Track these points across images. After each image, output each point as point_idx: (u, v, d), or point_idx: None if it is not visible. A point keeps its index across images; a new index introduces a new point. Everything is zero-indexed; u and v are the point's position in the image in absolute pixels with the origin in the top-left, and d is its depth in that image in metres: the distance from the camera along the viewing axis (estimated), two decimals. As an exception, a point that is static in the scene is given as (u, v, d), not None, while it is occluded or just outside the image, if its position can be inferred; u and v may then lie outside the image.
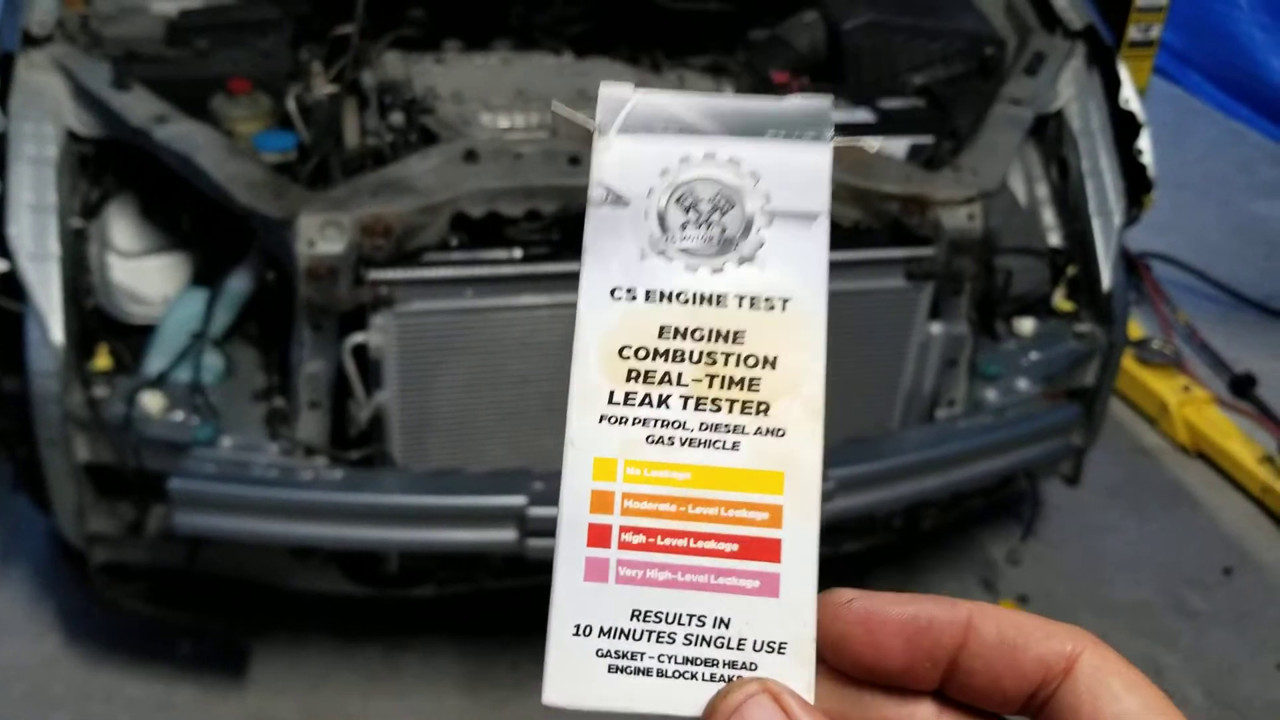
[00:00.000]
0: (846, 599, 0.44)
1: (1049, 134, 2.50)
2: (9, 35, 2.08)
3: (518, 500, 1.90)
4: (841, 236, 2.03)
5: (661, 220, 0.45)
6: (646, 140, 0.45)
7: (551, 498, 1.92)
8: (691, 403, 0.44)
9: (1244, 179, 4.88)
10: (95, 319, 2.10)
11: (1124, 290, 2.43)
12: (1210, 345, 3.55)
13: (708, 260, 0.45)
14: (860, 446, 2.10)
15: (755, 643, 0.43)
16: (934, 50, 2.45)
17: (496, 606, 2.36)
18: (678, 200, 0.45)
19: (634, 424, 0.44)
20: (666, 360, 0.44)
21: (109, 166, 2.14)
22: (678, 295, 0.44)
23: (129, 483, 2.04)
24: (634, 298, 0.45)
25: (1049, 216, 2.53)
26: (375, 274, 1.86)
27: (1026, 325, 2.38)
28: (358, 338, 1.88)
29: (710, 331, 0.44)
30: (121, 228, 2.17)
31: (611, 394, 0.44)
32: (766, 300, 0.44)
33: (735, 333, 0.44)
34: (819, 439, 0.44)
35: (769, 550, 0.44)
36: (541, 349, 1.97)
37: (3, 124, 2.04)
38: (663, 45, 2.64)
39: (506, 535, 1.92)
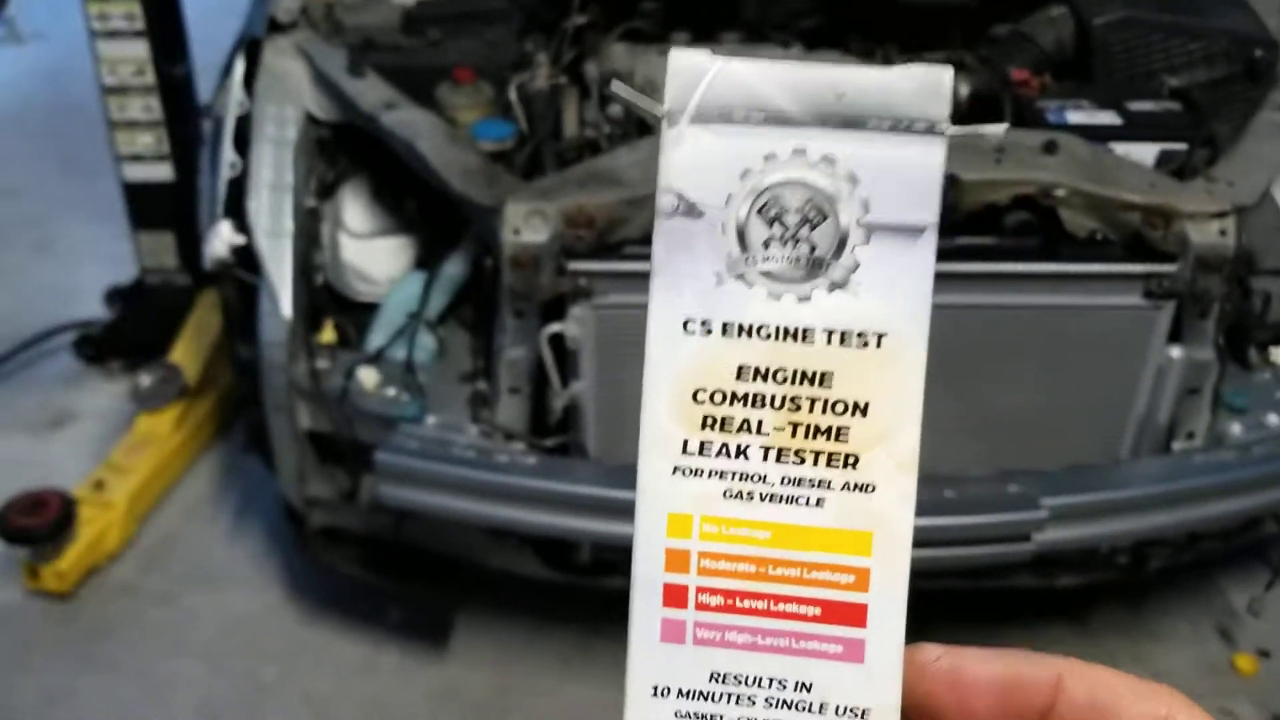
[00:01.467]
0: (934, 656, 0.41)
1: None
2: (257, 22, 2.21)
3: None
4: (1075, 247, 1.90)
5: (741, 236, 0.40)
6: (725, 133, 0.39)
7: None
8: (773, 454, 0.41)
9: None
10: (324, 295, 2.20)
11: (1403, 323, 2.17)
12: None
13: (794, 286, 0.40)
14: (1082, 474, 1.96)
15: (838, 708, 0.41)
16: (1194, 51, 2.25)
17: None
18: (760, 211, 0.40)
19: (710, 476, 0.41)
20: (745, 405, 0.40)
21: (344, 150, 2.23)
22: (759, 329, 0.40)
23: (344, 451, 2.13)
24: (709, 331, 0.41)
25: (1322, 235, 2.29)
26: (576, 265, 1.87)
27: (1283, 354, 2.16)
28: (555, 327, 1.89)
29: (795, 373, 0.40)
30: (354, 209, 2.27)
31: (685, 443, 0.41)
32: (859, 335, 0.40)
33: (822, 374, 0.40)
34: (912, 496, 0.40)
35: (854, 615, 0.41)
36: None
37: (247, 105, 2.16)
38: (898, 40, 2.54)
39: (692, 536, 1.88)
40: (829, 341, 0.40)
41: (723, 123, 0.39)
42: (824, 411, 0.40)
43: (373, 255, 2.27)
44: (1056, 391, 1.98)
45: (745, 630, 0.41)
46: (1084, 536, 1.95)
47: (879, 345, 0.39)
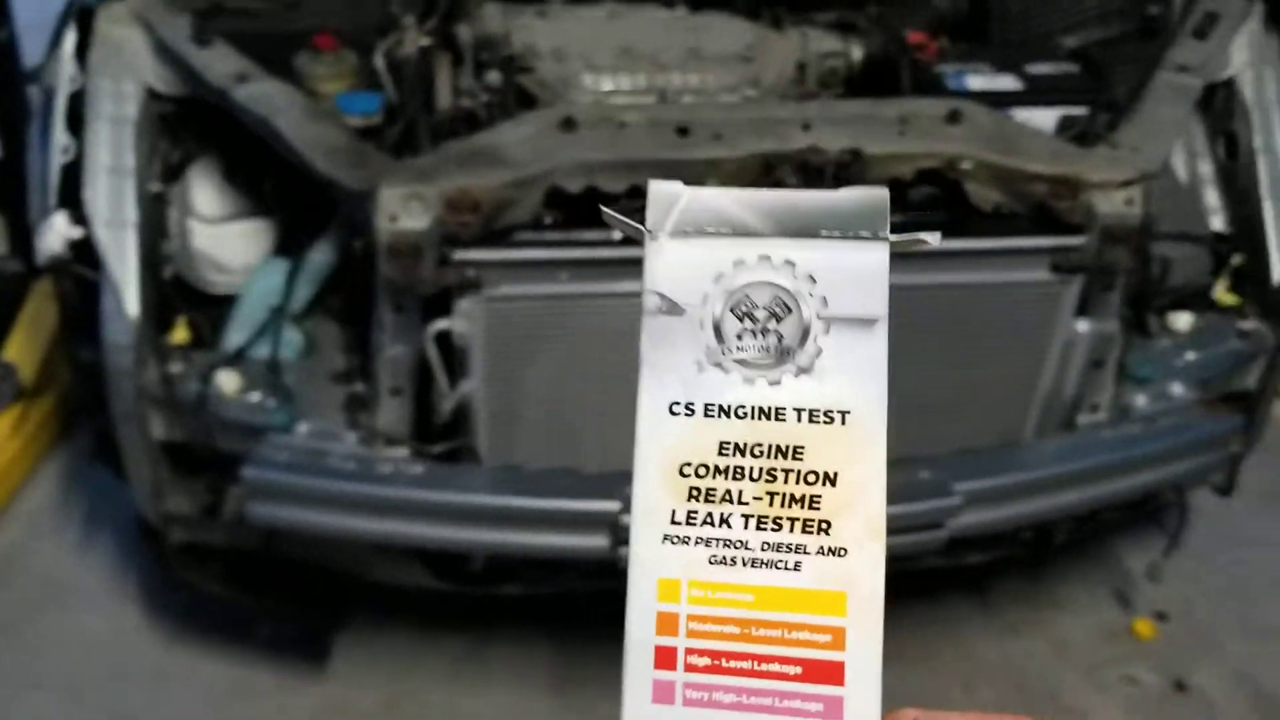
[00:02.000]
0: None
1: (1216, 104, 2.22)
2: (90, -14, 1.97)
3: (611, 505, 1.74)
4: (980, 221, 1.81)
5: (718, 330, 0.45)
6: (699, 243, 0.45)
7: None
8: (753, 521, 0.45)
9: None
10: (174, 289, 1.99)
11: (1297, 284, 2.16)
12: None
13: (765, 371, 0.45)
14: (991, 458, 1.90)
15: None
16: (1090, 8, 2.20)
17: (589, 604, 2.21)
18: (733, 308, 0.45)
19: (697, 544, 0.45)
20: (727, 478, 0.45)
21: (191, 126, 2.02)
22: (737, 409, 0.45)
23: (204, 462, 1.94)
24: (692, 413, 0.45)
25: (1212, 197, 2.27)
26: (461, 254, 1.71)
27: (1183, 321, 2.13)
28: (441, 324, 1.73)
29: (770, 447, 0.45)
30: (204, 192, 2.06)
31: (674, 513, 0.45)
32: (825, 414, 0.45)
33: (795, 448, 0.45)
34: (881, 559, 0.44)
35: (832, 673, 0.44)
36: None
37: (80, 80, 1.93)
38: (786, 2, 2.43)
39: (598, 542, 1.76)
40: (800, 419, 0.45)
41: (697, 235, 0.45)
42: (798, 482, 0.45)
43: (227, 242, 2.06)
44: (964, 371, 1.90)
45: (731, 690, 0.45)
46: (996, 519, 1.90)
47: (844, 422, 0.45)
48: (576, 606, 2.25)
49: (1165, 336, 2.13)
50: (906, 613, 2.38)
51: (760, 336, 0.44)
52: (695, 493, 0.44)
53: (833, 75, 2.17)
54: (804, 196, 0.45)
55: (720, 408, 0.44)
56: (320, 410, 1.87)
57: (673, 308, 0.45)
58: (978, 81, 2.01)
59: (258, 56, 1.93)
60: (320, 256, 1.96)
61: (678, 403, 0.45)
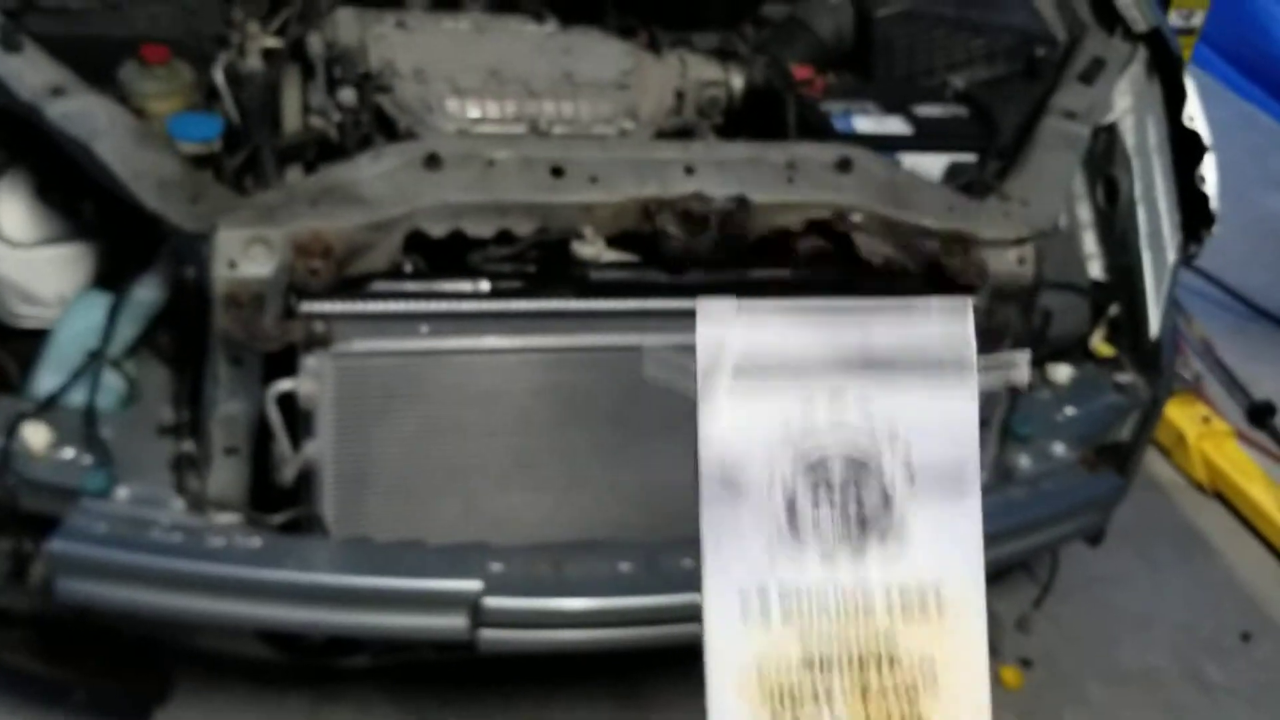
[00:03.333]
0: None
1: (1097, 148, 2.18)
2: (-128, -25, 1.70)
3: (472, 585, 1.59)
4: (872, 280, 1.72)
5: (790, 505, 0.42)
6: (760, 393, 0.43)
7: (512, 582, 1.63)
8: None
9: (1256, 169, 4.59)
10: (-27, 322, 1.75)
11: (1172, 337, 2.15)
12: (1226, 364, 3.28)
13: (845, 544, 0.42)
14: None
15: None
16: (977, 47, 2.12)
17: (441, 668, 2.06)
18: (805, 474, 0.42)
19: None
20: (814, 685, 0.42)
21: (-2, 137, 1.78)
22: (818, 599, 0.42)
23: (6, 524, 1.71)
24: (768, 613, 0.42)
25: (1090, 244, 2.23)
26: (309, 305, 1.53)
27: (1063, 373, 2.09)
28: (285, 384, 1.55)
29: (859, 642, 0.42)
30: (12, 212, 1.80)
31: None
32: (918, 592, 0.42)
33: (886, 638, 0.42)
34: None
35: None
36: (509, 398, 1.65)
37: None
38: (659, 15, 2.29)
39: (456, 623, 1.61)
40: (888, 601, 0.42)
41: (757, 379, 0.44)
42: (890, 672, 0.42)
43: (39, 269, 1.82)
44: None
45: None
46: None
47: (937, 602, 0.43)
48: (426, 670, 2.10)
49: (1045, 389, 2.08)
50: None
51: (837, 506, 0.41)
52: (782, 699, 0.42)
53: (712, 105, 2.05)
54: (874, 313, 0.42)
55: (798, 597, 0.42)
56: (143, 469, 1.66)
57: (734, 485, 0.41)
58: (865, 124, 1.92)
59: (75, 64, 1.70)
60: (147, 292, 1.74)
61: (749, 594, 0.41)
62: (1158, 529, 2.79)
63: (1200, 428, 2.94)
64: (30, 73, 1.67)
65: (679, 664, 2.13)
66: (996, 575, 2.23)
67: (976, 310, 1.67)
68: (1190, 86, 2.16)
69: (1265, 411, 3.08)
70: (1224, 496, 2.87)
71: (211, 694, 2.10)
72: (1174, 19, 3.18)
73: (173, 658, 2.00)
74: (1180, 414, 2.97)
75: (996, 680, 2.33)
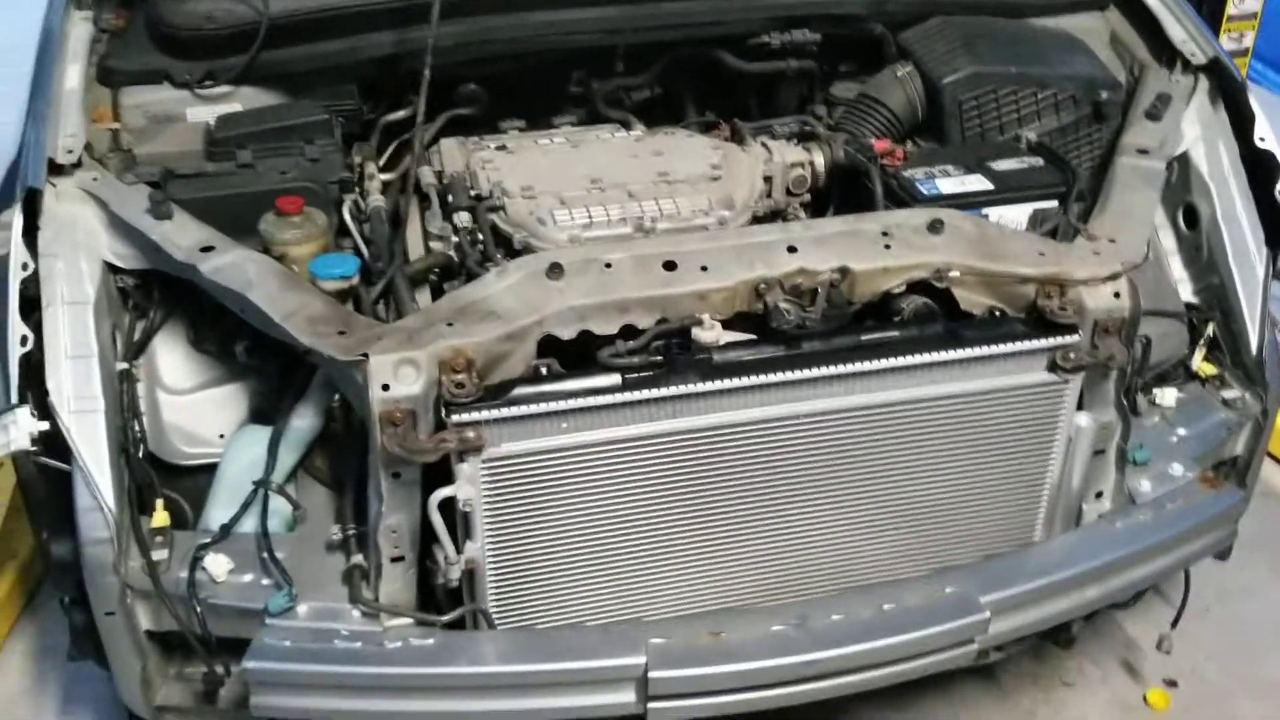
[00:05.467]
0: None
1: (1172, 178, 2.26)
2: (32, 167, 1.89)
3: (636, 660, 1.68)
4: (976, 329, 1.80)
5: None
6: None
7: (674, 655, 1.72)
8: None
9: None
10: (147, 468, 1.90)
11: (1274, 347, 2.19)
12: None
13: None
14: (1012, 563, 1.89)
15: None
16: (1043, 99, 2.21)
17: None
18: None
19: None
20: None
21: (153, 297, 1.94)
22: None
23: (197, 650, 1.84)
24: None
25: (1177, 269, 2.30)
26: (458, 416, 1.65)
27: (1169, 396, 2.15)
28: (445, 491, 1.67)
29: None
30: (170, 363, 1.97)
31: None
32: None
33: None
34: None
35: None
36: (647, 481, 1.75)
37: (32, 265, 1.84)
38: (734, 106, 2.43)
39: (625, 698, 1.70)
40: None
41: None
42: None
43: (199, 412, 1.98)
44: (974, 478, 1.88)
45: None
46: (1023, 625, 1.87)
47: None
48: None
49: (1154, 413, 2.14)
50: (922, 702, 2.36)
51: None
52: None
53: (800, 184, 2.16)
54: None
55: None
56: (318, 584, 1.79)
57: None
58: (948, 185, 2.01)
59: (218, 221, 1.87)
60: (302, 422, 1.88)
61: None
62: (1284, 540, 2.79)
63: (1314, 436, 2.94)
64: (181, 236, 1.84)
65: (831, 707, 2.18)
66: (1130, 600, 2.27)
67: (1081, 348, 1.77)
68: (1257, 107, 2.23)
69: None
70: (1346, 501, 2.87)
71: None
72: (1225, 42, 3.24)
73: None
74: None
75: (1144, 703, 2.36)
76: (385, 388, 1.64)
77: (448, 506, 1.70)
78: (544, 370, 1.73)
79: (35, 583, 2.66)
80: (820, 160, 2.17)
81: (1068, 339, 1.81)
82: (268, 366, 1.95)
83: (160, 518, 1.85)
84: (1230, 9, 3.21)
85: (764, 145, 2.19)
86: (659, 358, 1.73)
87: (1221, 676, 2.44)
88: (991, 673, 2.43)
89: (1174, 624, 2.27)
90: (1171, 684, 2.41)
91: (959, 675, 2.40)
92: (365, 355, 1.66)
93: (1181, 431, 2.11)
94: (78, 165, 1.91)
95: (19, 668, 2.51)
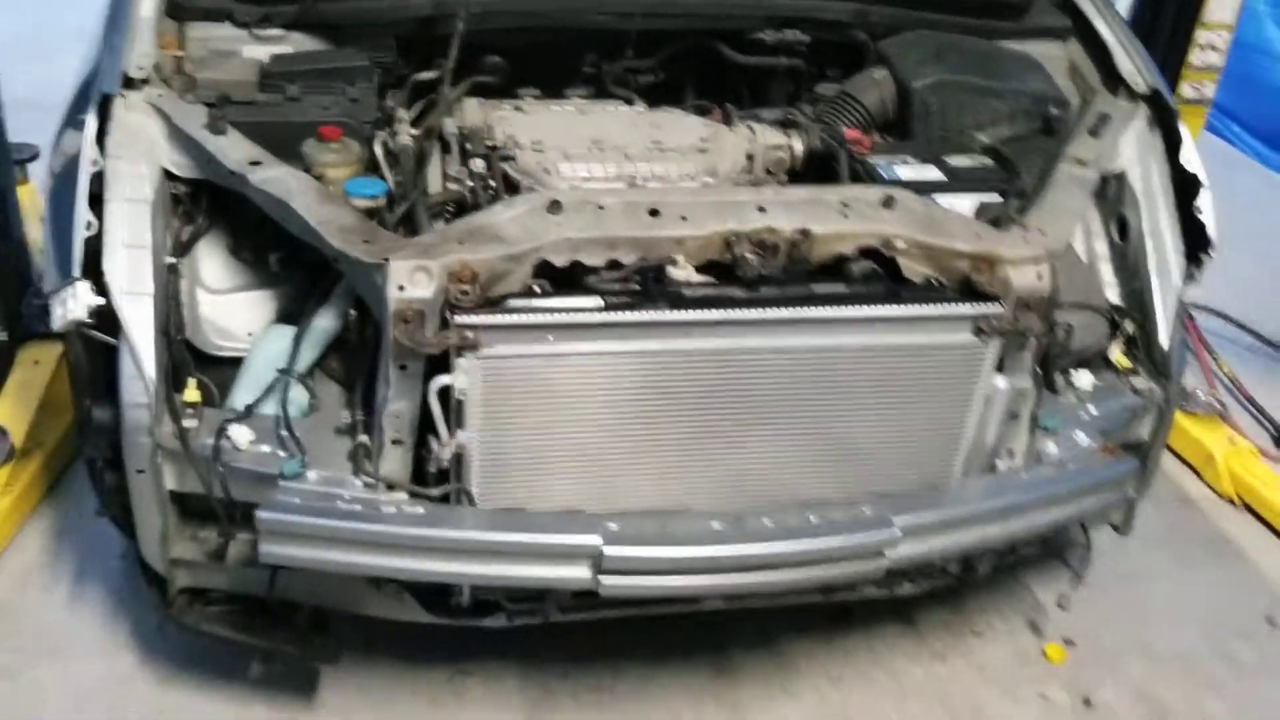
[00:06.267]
0: None
1: (1110, 193, 2.55)
2: (108, 78, 2.16)
3: (593, 539, 1.96)
4: (914, 292, 2.09)
5: None
6: None
7: (625, 536, 1.99)
8: None
9: (1285, 229, 4.91)
10: (184, 352, 2.17)
11: (1181, 348, 2.48)
12: (1253, 398, 3.58)
13: None
14: (925, 496, 2.16)
15: None
16: (999, 109, 2.51)
17: (559, 636, 2.41)
18: None
19: None
20: None
21: (201, 205, 2.21)
22: None
23: (214, 511, 2.10)
24: None
25: (1107, 273, 2.58)
26: (461, 318, 1.93)
27: (1085, 379, 2.42)
28: (444, 380, 1.94)
29: None
30: (211, 265, 2.24)
31: None
32: None
33: None
34: None
35: None
36: (620, 395, 2.02)
37: (101, 163, 2.11)
38: (730, 96, 2.71)
39: (581, 572, 1.97)
40: None
41: None
42: None
43: (232, 310, 2.24)
44: (900, 422, 2.16)
45: None
46: (930, 550, 2.14)
47: None
48: (545, 641, 2.45)
49: (1070, 393, 2.42)
50: (845, 642, 2.63)
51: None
52: None
53: (779, 164, 2.45)
54: None
55: None
56: (327, 461, 2.06)
57: None
58: (906, 172, 2.31)
59: (266, 143, 2.14)
60: (324, 323, 2.15)
61: None
62: (1189, 535, 3.07)
63: (1227, 447, 3.23)
64: (233, 150, 2.11)
65: (765, 640, 2.46)
66: (1036, 558, 2.56)
67: (1003, 317, 2.05)
68: (1185, 134, 2.53)
69: (1292, 436, 3.37)
70: (1250, 508, 3.15)
71: (366, 670, 2.47)
72: (1186, 90, 3.54)
73: (338, 637, 2.35)
74: (1209, 436, 3.28)
75: (1042, 656, 2.63)
76: (401, 289, 1.91)
77: (445, 396, 1.97)
78: (537, 289, 2.01)
79: (58, 471, 2.92)
80: (799, 145, 2.46)
81: (991, 308, 2.09)
82: (297, 276, 2.23)
83: (192, 393, 2.12)
84: (1193, 59, 3.51)
85: (749, 127, 2.48)
86: (637, 287, 2.01)
87: (1115, 641, 2.70)
88: (909, 618, 2.70)
89: (1073, 583, 2.54)
90: (1069, 642, 2.68)
91: (879, 618, 2.68)
92: (386, 260, 1.93)
93: (1092, 410, 2.38)
94: (146, 82, 2.19)
95: (38, 544, 2.76)
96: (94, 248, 2.06)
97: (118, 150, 2.12)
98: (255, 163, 2.09)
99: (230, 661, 2.43)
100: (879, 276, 2.11)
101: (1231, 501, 3.19)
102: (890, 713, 2.46)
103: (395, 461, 2.05)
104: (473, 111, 2.47)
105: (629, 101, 2.64)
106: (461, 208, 2.25)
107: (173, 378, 2.10)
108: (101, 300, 2.04)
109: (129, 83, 2.18)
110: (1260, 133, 5.61)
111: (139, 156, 2.13)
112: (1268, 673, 2.66)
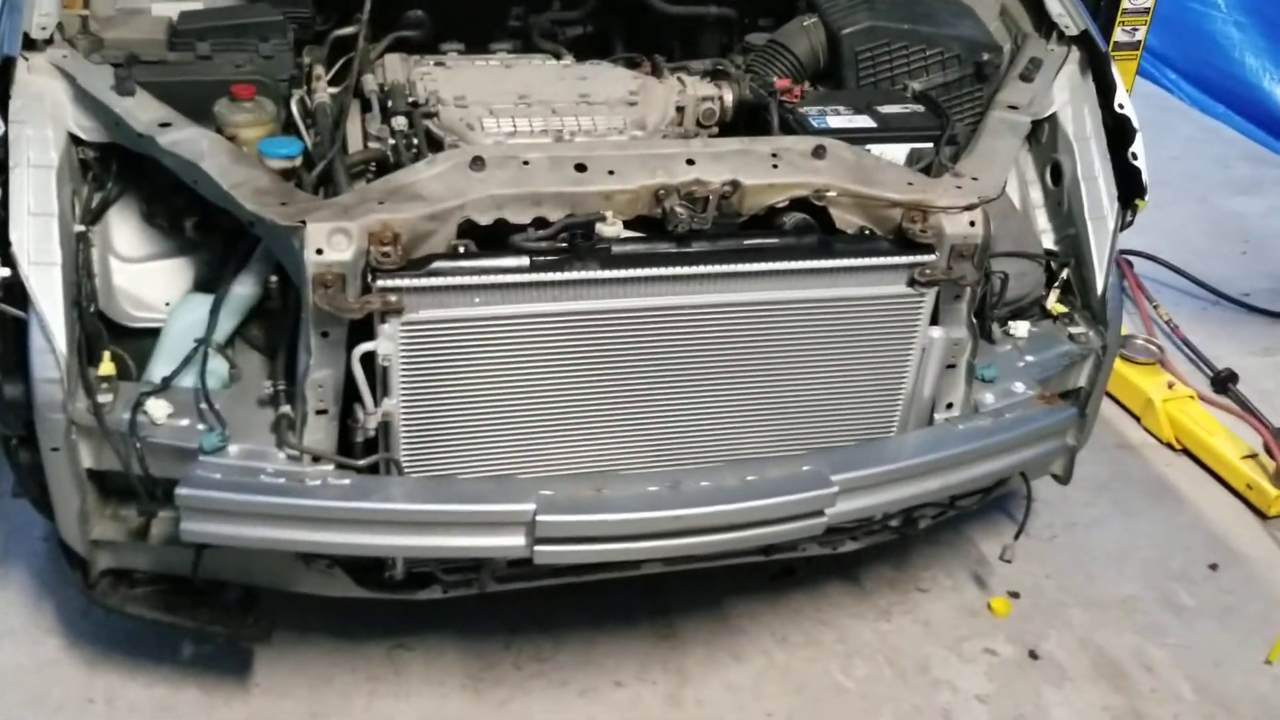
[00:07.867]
0: None
1: (1043, 138, 2.53)
2: (9, 39, 2.07)
3: (527, 507, 1.91)
4: (847, 243, 2.05)
5: None
6: None
7: (560, 504, 1.95)
8: None
9: (1220, 175, 4.94)
10: (97, 323, 2.09)
11: (1118, 293, 2.47)
12: (1190, 342, 3.60)
13: None
14: (863, 451, 2.13)
15: None
16: (931, 56, 2.47)
17: (498, 606, 2.37)
18: None
19: None
20: None
21: (111, 170, 2.13)
22: None
23: (134, 488, 2.03)
24: None
25: (1042, 220, 2.57)
26: (383, 282, 1.86)
27: (1021, 328, 2.41)
28: (367, 346, 1.88)
29: None
30: (123, 233, 2.15)
31: None
32: None
33: None
34: None
35: None
36: (550, 356, 1.97)
37: (2, 129, 2.02)
38: (660, 48, 2.65)
39: (516, 541, 1.93)
40: None
41: None
42: None
43: (147, 279, 2.16)
44: (837, 376, 2.13)
45: None
46: (869, 505, 2.12)
47: None
48: (485, 611, 2.41)
49: (1007, 342, 2.40)
50: (790, 602, 2.61)
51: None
52: None
53: (709, 116, 2.39)
54: None
55: None
56: (249, 433, 1.99)
57: None
58: (837, 121, 2.26)
59: (176, 104, 2.06)
60: (243, 290, 2.08)
61: None
62: (1130, 482, 3.09)
63: (1165, 393, 3.24)
64: (141, 111, 2.03)
65: (708, 602, 2.43)
66: (976, 509, 2.55)
67: (937, 266, 2.02)
68: (1118, 78, 2.50)
69: (1228, 379, 3.39)
70: (1190, 452, 3.17)
71: (300, 647, 2.41)
72: (1120, 34, 3.53)
73: (270, 615, 2.30)
74: (1147, 382, 3.29)
75: (987, 610, 2.63)
76: (319, 252, 1.84)
77: (369, 363, 1.91)
78: (461, 249, 1.95)
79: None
80: (729, 96, 2.41)
81: (926, 258, 2.06)
82: (213, 243, 2.15)
83: (107, 367, 2.04)
84: (1125, 3, 3.50)
85: (679, 79, 2.43)
86: (565, 245, 1.96)
87: (1059, 592, 2.71)
88: (854, 576, 2.69)
89: (1017, 535, 2.53)
90: (1014, 595, 2.69)
91: (823, 576, 2.66)
92: (303, 223, 1.86)
93: (1029, 358, 2.37)
94: (49, 42, 2.09)
95: (-43, 528, 2.68)
96: None
97: (20, 115, 2.03)
98: (165, 124, 2.01)
99: (160, 643, 2.37)
100: (811, 228, 2.07)
101: (1171, 446, 3.20)
102: (837, 673, 2.45)
103: (320, 432, 1.98)
104: (394, 68, 2.39)
105: (557, 55, 2.57)
106: (383, 167, 2.18)
107: (86, 351, 2.04)
108: (8, 272, 1.96)
109: (31, 44, 2.09)
110: (1195, 78, 5.65)
111: (43, 121, 2.04)
112: (1208, 616, 2.68)
